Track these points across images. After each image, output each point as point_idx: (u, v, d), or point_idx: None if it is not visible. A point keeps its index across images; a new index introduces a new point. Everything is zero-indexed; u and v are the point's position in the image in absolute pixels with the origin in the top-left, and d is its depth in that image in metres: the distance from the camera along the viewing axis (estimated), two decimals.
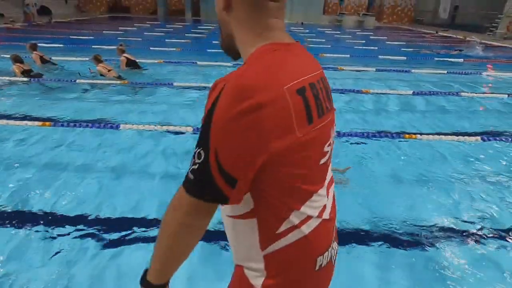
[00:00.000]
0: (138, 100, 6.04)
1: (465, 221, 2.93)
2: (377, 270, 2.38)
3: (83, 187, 3.26)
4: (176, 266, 0.88)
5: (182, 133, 4.43)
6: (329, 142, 0.87)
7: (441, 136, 4.54)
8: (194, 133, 4.44)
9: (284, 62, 0.77)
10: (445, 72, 8.71)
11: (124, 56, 7.78)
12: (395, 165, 3.92)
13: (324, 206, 0.89)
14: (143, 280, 0.90)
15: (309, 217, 0.84)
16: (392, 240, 2.69)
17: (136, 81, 7.00)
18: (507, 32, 18.02)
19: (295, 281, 0.88)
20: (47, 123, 4.31)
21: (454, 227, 2.84)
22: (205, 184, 0.73)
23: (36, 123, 4.29)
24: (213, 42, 12.92)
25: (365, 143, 4.41)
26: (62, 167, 3.59)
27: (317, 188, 0.86)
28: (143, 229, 2.70)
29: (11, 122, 4.36)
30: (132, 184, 3.36)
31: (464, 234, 2.78)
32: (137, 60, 7.98)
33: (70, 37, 13.07)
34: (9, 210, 2.88)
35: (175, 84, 6.59)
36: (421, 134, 4.59)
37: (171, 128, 4.47)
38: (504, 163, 4.05)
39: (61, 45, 10.93)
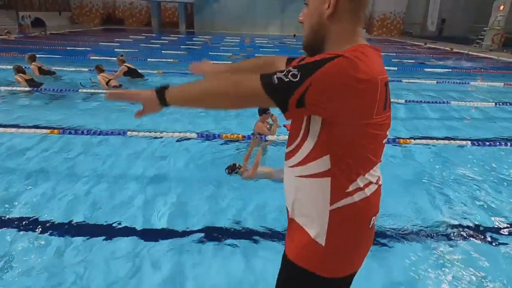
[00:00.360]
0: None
1: (446, 222, 3.10)
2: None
3: (95, 193, 3.37)
4: (188, 105, 1.14)
5: (188, 139, 4.57)
6: (389, 129, 1.06)
7: (433, 140, 4.76)
8: (199, 139, 4.60)
9: (377, 59, 0.97)
10: (435, 81, 9.06)
11: (125, 65, 7.93)
12: (392, 169, 4.10)
13: (380, 176, 1.09)
14: (161, 92, 1.09)
15: (370, 182, 1.04)
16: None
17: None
18: (492, 44, 18.68)
19: (353, 235, 1.07)
20: (56, 130, 4.41)
21: (438, 228, 2.99)
22: (280, 91, 0.91)
23: (44, 131, 4.40)
24: (209, 53, 13.19)
25: None
26: (71, 173, 3.70)
27: (378, 161, 1.06)
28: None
29: (20, 130, 4.46)
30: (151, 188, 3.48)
31: (444, 233, 2.94)
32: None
33: (67, 48, 13.20)
34: (31, 216, 2.97)
35: None
36: (414, 139, 4.81)
37: (177, 135, 4.60)
38: (492, 166, 4.28)
39: (59, 56, 11.02)
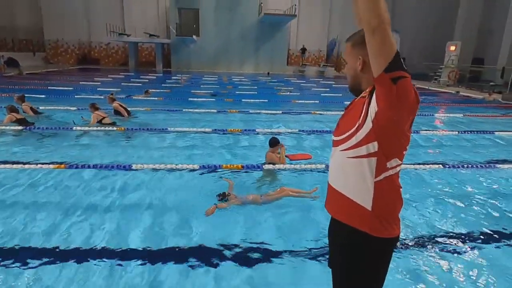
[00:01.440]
0: (137, 145, 6.42)
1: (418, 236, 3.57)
2: None
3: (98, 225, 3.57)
4: None
5: (192, 170, 4.87)
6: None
7: (407, 166, 5.34)
8: (198, 170, 4.90)
9: None
10: None
11: (117, 103, 8.21)
12: None
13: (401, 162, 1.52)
14: None
15: (399, 163, 1.48)
16: None
17: (133, 127, 7.38)
18: (448, 80, 20.59)
19: (392, 201, 1.50)
20: (62, 165, 4.59)
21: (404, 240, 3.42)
22: (399, 63, 1.28)
23: (52, 166, 4.56)
24: (191, 91, 13.70)
25: None
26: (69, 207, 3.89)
27: (407, 147, 1.48)
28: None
29: (26, 166, 4.59)
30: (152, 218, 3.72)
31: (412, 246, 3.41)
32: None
33: (49, 88, 13.28)
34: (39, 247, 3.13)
35: (170, 129, 7.07)
36: None
37: (177, 166, 4.89)
38: (456, 186, 4.87)
39: (42, 96, 11.09)
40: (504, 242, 3.45)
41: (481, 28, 26.10)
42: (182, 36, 25.87)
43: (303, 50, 29.29)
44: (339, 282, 1.66)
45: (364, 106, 1.45)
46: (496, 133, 7.80)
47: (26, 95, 8.72)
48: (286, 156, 5.12)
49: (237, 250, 3.13)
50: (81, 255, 2.95)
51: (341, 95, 14.47)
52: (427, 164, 5.55)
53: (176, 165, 4.88)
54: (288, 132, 7.48)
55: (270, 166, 4.88)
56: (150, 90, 12.32)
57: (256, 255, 3.07)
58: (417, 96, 1.37)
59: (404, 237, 3.41)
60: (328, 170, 1.70)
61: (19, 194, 4.09)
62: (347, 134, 1.51)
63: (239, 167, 4.93)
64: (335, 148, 1.59)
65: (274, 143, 4.85)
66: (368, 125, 1.42)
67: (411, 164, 5.44)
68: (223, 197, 3.89)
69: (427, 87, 18.73)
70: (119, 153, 5.87)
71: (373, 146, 1.42)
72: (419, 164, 5.53)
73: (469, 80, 21.39)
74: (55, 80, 15.88)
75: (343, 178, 1.55)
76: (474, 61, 24.52)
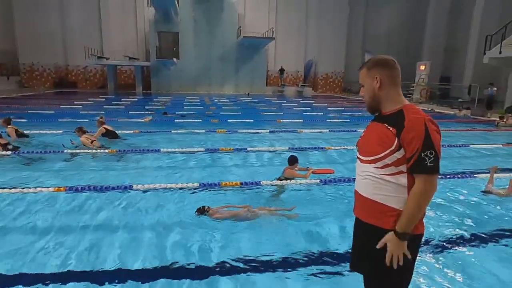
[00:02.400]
0: (131, 166, 6.43)
1: None
2: None
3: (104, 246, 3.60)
4: (416, 221, 1.67)
5: (189, 189, 4.95)
6: None
7: None
8: (200, 187, 4.99)
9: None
10: None
11: (104, 127, 8.20)
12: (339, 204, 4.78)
13: None
14: (399, 235, 1.65)
15: None
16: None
17: (124, 149, 7.38)
18: (420, 97, 21.70)
19: None
20: (62, 188, 4.56)
21: None
22: (438, 164, 1.60)
23: (51, 189, 4.53)
24: (176, 112, 13.78)
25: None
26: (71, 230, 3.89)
27: None
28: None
29: (25, 190, 4.54)
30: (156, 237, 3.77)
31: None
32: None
33: (29, 111, 12.99)
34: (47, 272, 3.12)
35: (162, 150, 7.12)
36: None
37: (173, 185, 4.96)
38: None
39: (23, 120, 10.84)
40: (474, 244, 3.71)
41: (447, 48, 27.90)
42: (162, 59, 26.10)
43: (282, 71, 30.13)
44: (378, 279, 1.81)
45: (394, 142, 1.67)
46: (472, 146, 8.33)
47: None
48: (312, 172, 5.36)
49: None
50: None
51: (322, 113, 14.97)
52: None
53: (176, 184, 4.95)
54: (279, 150, 7.69)
55: (284, 182, 5.13)
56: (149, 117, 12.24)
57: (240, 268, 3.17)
58: (440, 133, 1.66)
59: None
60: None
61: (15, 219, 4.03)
62: (377, 156, 1.73)
63: (238, 184, 5.06)
64: (367, 165, 1.80)
65: (293, 160, 5.24)
66: (400, 153, 1.66)
67: None
68: (201, 211, 3.98)
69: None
70: (115, 175, 5.87)
71: (404, 167, 1.67)
72: None
73: (439, 97, 22.64)
74: (33, 104, 15.55)
75: (380, 190, 1.75)
76: (441, 79, 26.06)
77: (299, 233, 3.87)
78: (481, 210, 4.65)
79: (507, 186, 5.04)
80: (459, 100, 20.55)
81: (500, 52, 16.28)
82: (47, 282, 2.86)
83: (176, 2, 23.84)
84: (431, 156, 1.58)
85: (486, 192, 5.12)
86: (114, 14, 28.18)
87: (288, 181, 5.13)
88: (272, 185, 5.12)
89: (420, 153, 1.58)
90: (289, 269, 3.15)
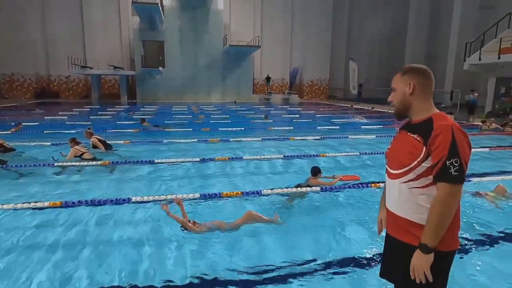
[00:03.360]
0: (127, 178, 6.30)
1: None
2: None
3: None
4: (442, 233, 1.61)
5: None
6: None
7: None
8: (202, 198, 4.92)
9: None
10: (374, 136, 10.60)
11: (95, 137, 8.01)
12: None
13: None
14: (422, 247, 1.62)
15: None
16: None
17: (118, 161, 7.22)
18: None
19: (458, 218, 1.72)
20: (58, 202, 4.42)
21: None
22: (463, 174, 1.57)
23: (46, 203, 4.37)
24: (165, 122, 13.63)
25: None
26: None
27: None
28: None
29: (25, 205, 4.36)
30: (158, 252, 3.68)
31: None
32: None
33: (12, 123, 12.58)
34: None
35: (156, 161, 7.00)
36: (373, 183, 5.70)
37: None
38: None
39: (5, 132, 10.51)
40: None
41: (427, 55, 28.77)
42: (147, 67, 25.87)
43: (268, 78, 30.32)
44: None
45: (422, 151, 1.65)
46: None
47: None
48: (340, 179, 5.45)
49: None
50: None
51: (311, 120, 15.11)
52: None
53: (177, 195, 4.87)
54: (274, 158, 7.69)
55: (299, 189, 5.15)
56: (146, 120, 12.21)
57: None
58: (470, 146, 1.64)
59: None
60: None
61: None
62: (405, 168, 1.71)
63: (239, 194, 5.02)
64: (396, 180, 1.78)
65: (317, 171, 5.35)
66: (428, 162, 1.64)
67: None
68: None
69: (386, 110, 20.02)
70: (110, 186, 5.75)
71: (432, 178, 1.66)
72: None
73: None
74: (14, 116, 15.09)
75: (413, 207, 1.72)
76: None
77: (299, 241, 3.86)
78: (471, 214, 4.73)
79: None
80: (442, 105, 21.13)
81: (480, 59, 16.89)
82: None
83: (161, 11, 23.76)
84: (456, 164, 1.54)
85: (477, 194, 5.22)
86: (97, 23, 27.80)
87: (309, 188, 5.17)
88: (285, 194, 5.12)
89: (445, 161, 1.55)
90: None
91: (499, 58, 15.77)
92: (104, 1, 27.75)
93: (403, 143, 1.77)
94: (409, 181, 1.71)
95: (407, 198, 1.73)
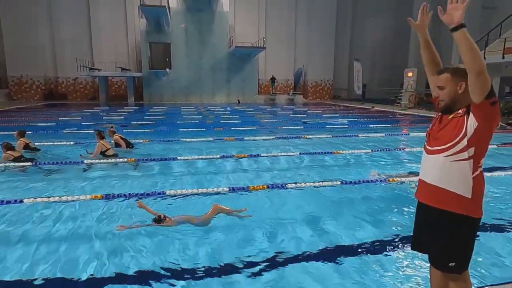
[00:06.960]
0: (154, 174, 6.60)
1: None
2: None
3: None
4: (463, 43, 1.80)
5: (218, 193, 5.17)
6: None
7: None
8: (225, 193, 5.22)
9: None
10: (383, 134, 10.89)
11: (117, 136, 8.32)
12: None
13: None
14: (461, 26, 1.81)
15: (481, 163, 2.02)
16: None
17: (143, 158, 7.52)
18: (409, 103, 22.48)
19: (482, 190, 2.01)
20: (99, 195, 4.72)
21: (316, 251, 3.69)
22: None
23: (89, 196, 4.68)
24: (177, 122, 13.95)
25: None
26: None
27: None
28: None
29: (64, 198, 4.67)
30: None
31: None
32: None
33: (30, 124, 12.92)
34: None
35: (179, 158, 7.31)
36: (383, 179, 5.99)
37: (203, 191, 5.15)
38: None
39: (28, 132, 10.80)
40: None
41: None
42: (154, 69, 26.23)
43: (273, 79, 30.63)
44: (442, 258, 2.09)
45: (464, 124, 1.96)
46: None
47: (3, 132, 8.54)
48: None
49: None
50: None
51: (319, 120, 15.40)
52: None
53: (207, 189, 5.17)
54: (290, 155, 7.99)
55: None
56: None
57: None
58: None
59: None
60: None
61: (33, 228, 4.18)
62: (449, 144, 2.01)
63: (265, 187, 5.31)
64: (437, 155, 2.07)
65: None
66: (469, 136, 1.94)
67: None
68: (158, 220, 4.09)
69: (391, 110, 20.31)
70: (141, 182, 6.05)
71: (472, 151, 1.96)
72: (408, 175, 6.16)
73: (426, 102, 23.45)
74: (28, 117, 15.42)
75: (447, 177, 2.03)
76: (427, 85, 26.95)
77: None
78: None
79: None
80: None
81: (484, 58, 17.15)
82: None
83: (167, 13, 24.12)
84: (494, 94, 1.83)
85: None
86: (104, 26, 28.20)
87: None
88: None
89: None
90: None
91: (503, 58, 16.03)
92: (111, 4, 28.15)
93: (447, 124, 2.06)
94: (451, 154, 2.00)
95: (443, 169, 2.03)
